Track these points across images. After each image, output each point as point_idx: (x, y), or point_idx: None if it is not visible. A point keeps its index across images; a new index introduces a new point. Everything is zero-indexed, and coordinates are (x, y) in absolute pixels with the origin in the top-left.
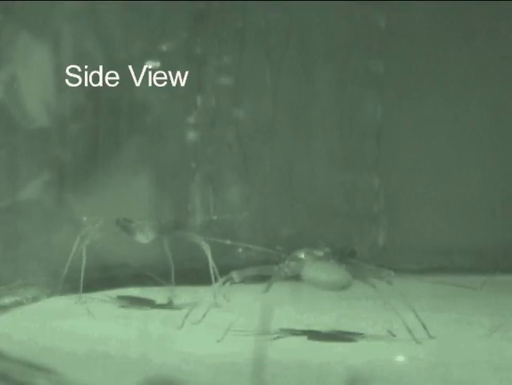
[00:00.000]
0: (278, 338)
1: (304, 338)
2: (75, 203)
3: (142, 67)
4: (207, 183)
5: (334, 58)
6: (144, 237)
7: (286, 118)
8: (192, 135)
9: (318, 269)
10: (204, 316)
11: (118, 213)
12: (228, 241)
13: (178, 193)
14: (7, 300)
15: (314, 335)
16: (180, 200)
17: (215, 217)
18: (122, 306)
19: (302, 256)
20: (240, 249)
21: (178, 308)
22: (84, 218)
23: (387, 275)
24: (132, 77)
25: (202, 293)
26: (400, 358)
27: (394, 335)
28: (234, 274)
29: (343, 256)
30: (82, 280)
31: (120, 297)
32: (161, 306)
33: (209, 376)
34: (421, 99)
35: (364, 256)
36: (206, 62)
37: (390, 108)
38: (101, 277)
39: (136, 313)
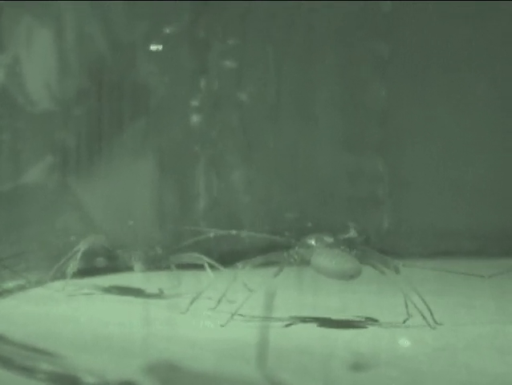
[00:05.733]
0: (283, 323)
1: (308, 323)
2: (78, 187)
3: (145, 50)
4: (211, 166)
5: (338, 41)
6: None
7: (289, 101)
8: (195, 119)
9: (328, 257)
10: (219, 302)
11: (121, 197)
12: (233, 232)
13: (182, 177)
14: (10, 284)
15: (318, 320)
16: (183, 183)
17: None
18: (126, 291)
19: (313, 242)
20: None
21: (183, 294)
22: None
23: (395, 264)
24: (135, 60)
25: (207, 280)
26: (405, 343)
27: (400, 320)
28: (240, 266)
29: (355, 243)
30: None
31: (124, 283)
32: (165, 292)
33: (212, 361)
34: (426, 81)
35: (369, 240)
36: (210, 46)
37: (394, 91)
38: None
39: (140, 298)
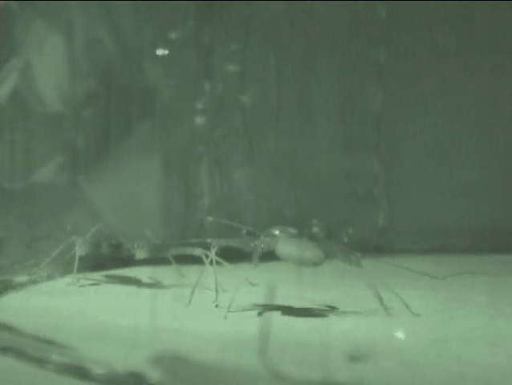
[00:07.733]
0: (283, 316)
1: (308, 316)
2: (87, 185)
3: (152, 55)
4: (214, 166)
5: (336, 46)
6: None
7: (290, 104)
8: (200, 121)
9: (292, 245)
10: (216, 293)
11: (128, 195)
12: (209, 218)
13: (186, 176)
14: (22, 278)
15: (317, 313)
16: (188, 182)
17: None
18: (133, 285)
19: (277, 232)
20: (244, 231)
21: (188, 288)
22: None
23: (355, 256)
24: (142, 64)
25: (208, 272)
26: (400, 335)
27: (396, 313)
28: (212, 242)
29: (314, 234)
30: (75, 268)
31: (132, 275)
32: (171, 286)
33: (215, 352)
34: (421, 85)
35: (365, 236)
36: (214, 50)
37: (390, 95)
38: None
39: (146, 291)
